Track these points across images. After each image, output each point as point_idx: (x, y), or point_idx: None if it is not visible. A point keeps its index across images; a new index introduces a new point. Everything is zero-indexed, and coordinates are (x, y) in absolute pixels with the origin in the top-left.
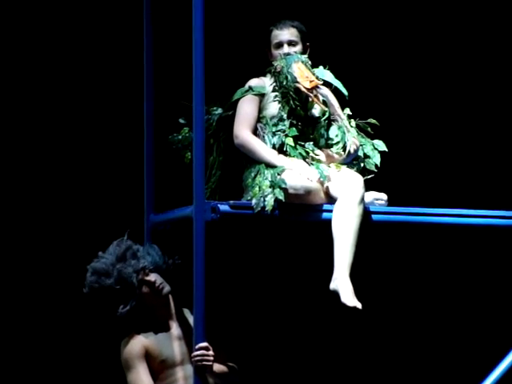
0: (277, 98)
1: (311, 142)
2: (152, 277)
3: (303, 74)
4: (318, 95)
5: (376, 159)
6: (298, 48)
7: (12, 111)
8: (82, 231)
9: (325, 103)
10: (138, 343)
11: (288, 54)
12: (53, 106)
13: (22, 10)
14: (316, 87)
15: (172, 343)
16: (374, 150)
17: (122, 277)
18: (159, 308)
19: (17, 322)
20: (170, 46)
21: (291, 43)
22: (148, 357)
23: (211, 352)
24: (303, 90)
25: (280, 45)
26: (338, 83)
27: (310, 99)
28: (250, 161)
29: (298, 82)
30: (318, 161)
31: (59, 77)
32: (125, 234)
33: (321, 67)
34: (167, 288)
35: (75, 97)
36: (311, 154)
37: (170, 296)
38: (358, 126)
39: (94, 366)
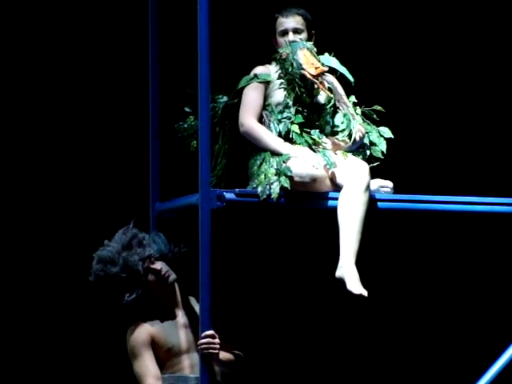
0: (282, 86)
1: (317, 130)
2: (158, 265)
3: (309, 60)
4: (324, 82)
5: (382, 146)
6: (304, 36)
7: (19, 101)
8: (88, 220)
9: (330, 90)
10: (144, 331)
11: (293, 42)
12: (60, 96)
13: (27, 6)
14: (321, 74)
15: (178, 331)
16: (380, 137)
17: (127, 265)
18: (165, 296)
19: (30, 307)
20: (175, 34)
21: (297, 31)
22: (154, 345)
23: (217, 340)
24: (309, 76)
25: (285, 32)
26: (343, 70)
27: (316, 86)
28: (256, 149)
29: (303, 69)
30: (324, 148)
31: (66, 66)
32: (130, 223)
33: (326, 54)
34: (173, 276)
35: (82, 87)
36: (317, 141)
37: (176, 284)
38: (363, 113)
39: (101, 354)
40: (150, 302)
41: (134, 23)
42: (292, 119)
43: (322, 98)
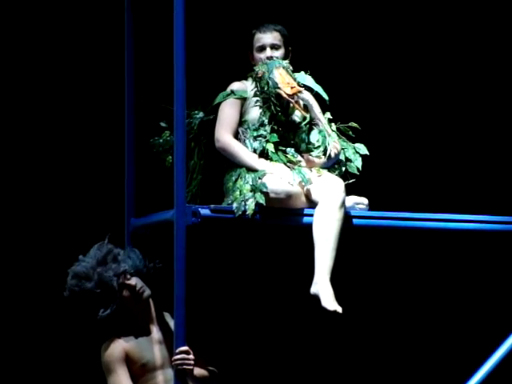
0: (258, 103)
1: (292, 149)
2: (132, 281)
3: (284, 79)
4: (299, 101)
5: (358, 163)
6: (281, 52)
7: None
8: (62, 235)
9: (306, 108)
10: (119, 347)
11: (271, 58)
12: (33, 109)
13: (5, 14)
14: (297, 93)
15: (152, 347)
16: (356, 154)
17: (102, 280)
18: (139, 312)
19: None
20: (151, 49)
21: (274, 47)
22: (128, 360)
23: (192, 356)
24: (284, 96)
25: (263, 48)
26: (318, 88)
27: (291, 105)
28: (231, 165)
29: (279, 88)
30: (300, 165)
31: (39, 79)
32: (105, 238)
33: (302, 72)
34: (147, 292)
35: (56, 101)
36: (292, 160)
37: (151, 300)
38: (339, 130)
39: (76, 369)
40: (125, 318)
41: (110, 37)
42: (267, 138)
43: (297, 116)
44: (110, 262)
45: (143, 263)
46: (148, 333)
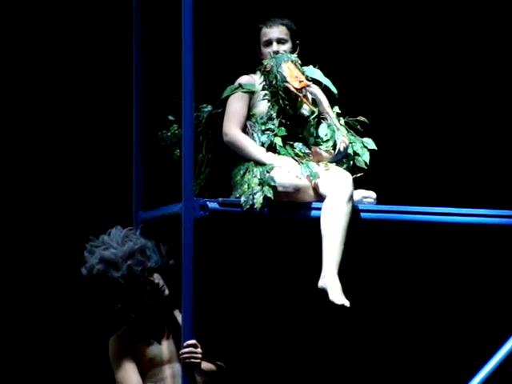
0: (266, 97)
1: (300, 143)
2: (156, 278)
3: (293, 73)
4: (308, 95)
5: (365, 157)
6: (288, 46)
7: None
8: (70, 228)
9: (314, 102)
10: (127, 340)
11: (277, 52)
12: (42, 104)
13: (12, 11)
14: (305, 87)
15: (161, 341)
16: (364, 148)
17: (130, 274)
18: (154, 307)
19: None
20: (159, 43)
21: (281, 41)
22: (136, 354)
23: (199, 350)
24: (292, 89)
25: (269, 42)
26: (327, 81)
27: (300, 99)
28: (239, 158)
29: (287, 82)
30: (308, 159)
31: (46, 74)
32: (137, 229)
33: (310, 66)
34: (167, 291)
35: (63, 94)
36: (300, 154)
37: None
38: (347, 124)
39: (83, 364)
40: (138, 312)
41: (119, 31)
42: (275, 131)
43: (305, 109)
44: (138, 255)
45: (165, 260)
46: (157, 327)
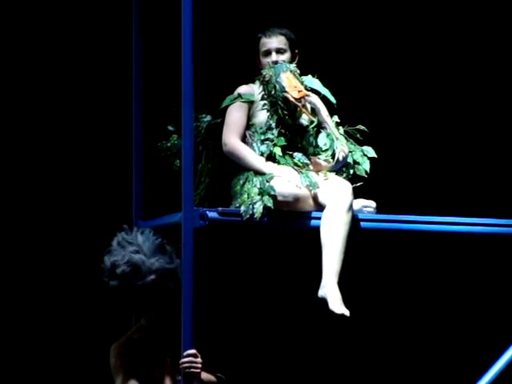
0: (265, 107)
1: (299, 153)
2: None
3: (291, 83)
4: (307, 105)
5: (365, 165)
6: (287, 56)
7: None
8: (71, 237)
9: (313, 111)
10: (128, 349)
11: (276, 62)
12: (42, 113)
13: (10, 12)
14: (304, 97)
15: (160, 353)
16: (364, 157)
17: (150, 287)
18: (158, 320)
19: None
20: (159, 53)
21: (279, 51)
22: (136, 364)
23: (199, 359)
24: (291, 99)
25: (268, 52)
26: (326, 91)
27: (298, 109)
28: (239, 168)
29: (286, 92)
30: (307, 169)
31: (46, 84)
32: (174, 249)
33: (309, 75)
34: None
35: (64, 104)
36: (300, 164)
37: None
38: (347, 133)
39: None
40: (147, 318)
41: (119, 41)
42: (274, 141)
43: (304, 119)
44: (165, 275)
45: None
46: (157, 338)
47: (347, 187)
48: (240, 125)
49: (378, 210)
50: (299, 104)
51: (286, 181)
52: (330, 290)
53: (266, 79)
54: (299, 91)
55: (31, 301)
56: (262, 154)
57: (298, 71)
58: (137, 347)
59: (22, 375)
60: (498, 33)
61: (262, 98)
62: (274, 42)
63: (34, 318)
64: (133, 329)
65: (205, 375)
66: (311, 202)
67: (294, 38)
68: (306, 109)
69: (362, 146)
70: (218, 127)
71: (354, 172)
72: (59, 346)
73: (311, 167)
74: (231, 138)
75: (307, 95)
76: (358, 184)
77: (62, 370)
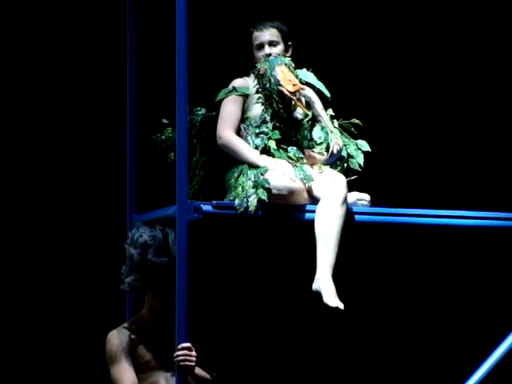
0: (260, 100)
1: (294, 147)
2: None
3: (286, 77)
4: (301, 98)
5: (359, 159)
6: (280, 48)
7: None
8: (64, 231)
9: (308, 105)
10: (125, 338)
11: (270, 55)
12: (34, 104)
13: (8, 13)
14: (299, 90)
15: (156, 346)
16: (358, 150)
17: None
18: (157, 309)
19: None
20: (153, 46)
21: (272, 43)
22: (132, 354)
23: (194, 353)
24: (286, 93)
25: (261, 46)
26: (320, 85)
27: (293, 102)
28: (233, 161)
29: (281, 85)
30: (302, 163)
31: (40, 76)
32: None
33: (304, 69)
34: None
35: (57, 97)
36: (294, 158)
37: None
38: (341, 126)
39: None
40: (147, 307)
41: (113, 34)
42: (269, 135)
43: (299, 113)
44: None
45: None
46: (154, 332)
47: (341, 180)
48: (234, 118)
49: (372, 203)
50: (294, 97)
51: (281, 174)
52: (324, 283)
53: (261, 73)
54: (294, 85)
55: (26, 295)
56: (256, 148)
57: (293, 65)
58: (135, 337)
59: (20, 372)
60: (496, 27)
61: (257, 92)
62: (266, 35)
63: (28, 312)
64: (132, 318)
65: (198, 371)
66: (305, 195)
67: (286, 30)
68: (301, 102)
69: (356, 139)
70: (212, 120)
71: (348, 165)
72: (53, 338)
73: (305, 160)
74: (226, 132)
75: (302, 89)
76: (353, 177)
77: (57, 364)
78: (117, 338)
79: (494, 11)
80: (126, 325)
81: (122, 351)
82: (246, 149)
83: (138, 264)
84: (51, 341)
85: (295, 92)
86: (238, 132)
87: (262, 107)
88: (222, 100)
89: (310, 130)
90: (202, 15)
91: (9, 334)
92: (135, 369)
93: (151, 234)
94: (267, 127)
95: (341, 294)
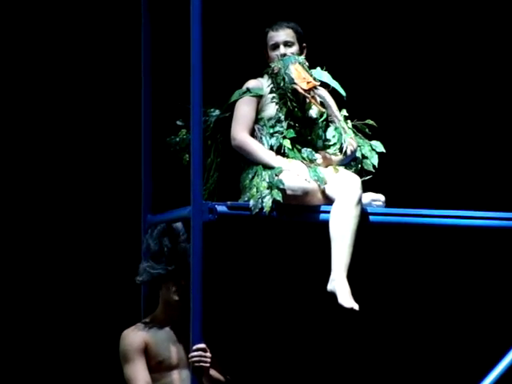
0: (274, 100)
1: (308, 149)
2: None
3: (300, 75)
4: (316, 96)
5: (374, 160)
6: (295, 49)
7: (5, 115)
8: (79, 231)
9: (322, 104)
10: (140, 337)
11: (284, 55)
12: (50, 106)
13: (19, 9)
14: (313, 88)
15: (170, 346)
16: (372, 151)
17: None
18: (171, 306)
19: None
20: (167, 48)
21: (287, 44)
22: (146, 354)
23: (209, 354)
24: (300, 91)
25: (276, 46)
26: (335, 84)
27: (308, 100)
28: (248, 162)
29: (295, 84)
30: (316, 164)
31: (56, 78)
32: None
33: (318, 68)
34: (176, 297)
35: (73, 99)
36: (308, 159)
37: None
38: (355, 127)
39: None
40: (162, 304)
41: (127, 36)
42: (284, 134)
43: (313, 112)
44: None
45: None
46: (169, 332)
47: (356, 181)
48: (249, 119)
49: (387, 204)
50: (308, 95)
51: (295, 175)
52: (339, 284)
53: (275, 71)
54: (308, 82)
55: (42, 295)
56: (271, 148)
57: (307, 63)
58: (149, 336)
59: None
60: (501, 24)
61: (271, 91)
62: (282, 35)
63: (45, 311)
64: (146, 318)
65: (213, 372)
66: (320, 195)
67: (301, 31)
68: (316, 100)
69: (370, 140)
70: (226, 121)
71: (362, 166)
72: (68, 337)
73: (319, 162)
74: (240, 133)
75: (316, 86)
76: (367, 177)
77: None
78: (131, 336)
79: (500, 11)
80: (140, 324)
81: (136, 350)
82: (261, 150)
83: (156, 252)
84: (66, 339)
85: (309, 90)
86: (253, 133)
87: (277, 107)
88: (236, 101)
89: (325, 130)
90: (216, 17)
91: (22, 332)
92: (149, 369)
93: (168, 230)
94: (282, 126)
95: (356, 295)
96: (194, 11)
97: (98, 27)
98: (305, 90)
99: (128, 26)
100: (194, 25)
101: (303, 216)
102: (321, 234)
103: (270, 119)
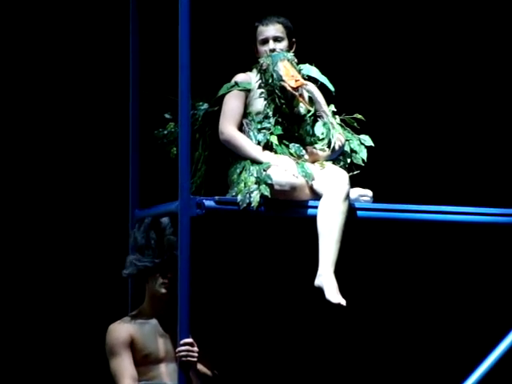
0: (262, 95)
1: (296, 144)
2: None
3: (289, 72)
4: (304, 94)
5: (363, 154)
6: (284, 44)
7: None
8: (66, 226)
9: (310, 100)
10: (126, 331)
11: (274, 51)
12: (36, 100)
13: (11, 10)
14: (301, 86)
15: (157, 340)
16: (361, 145)
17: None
18: (157, 299)
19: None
20: (156, 41)
21: (277, 39)
22: (132, 347)
23: (196, 348)
24: (288, 88)
25: (266, 41)
26: (324, 79)
27: (296, 98)
28: (236, 157)
29: (283, 81)
30: (303, 160)
31: (42, 71)
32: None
33: (307, 64)
34: (163, 290)
35: (59, 92)
36: (295, 155)
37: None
38: (344, 121)
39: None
40: (148, 298)
41: (115, 28)
42: (271, 130)
43: (301, 108)
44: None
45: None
46: (155, 325)
47: (344, 176)
48: (237, 113)
49: (375, 199)
50: (296, 93)
51: (283, 170)
52: (326, 279)
53: (264, 68)
54: (296, 80)
55: (29, 290)
56: (258, 143)
57: (296, 60)
58: (136, 330)
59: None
60: (497, 26)
61: (259, 87)
62: (272, 30)
63: (31, 307)
64: (133, 312)
65: (200, 367)
66: (308, 191)
67: (291, 26)
68: (303, 98)
69: (359, 134)
70: (215, 115)
71: (351, 161)
72: (56, 332)
73: (307, 157)
74: (228, 127)
75: (304, 84)
76: (355, 173)
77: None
78: (117, 330)
79: (499, 10)
80: (126, 317)
81: (122, 344)
82: (249, 144)
83: (142, 245)
84: (54, 335)
85: (297, 88)
86: (241, 127)
87: (265, 102)
88: (224, 95)
89: (312, 126)
90: (204, 10)
91: (12, 330)
92: (135, 362)
93: (155, 222)
94: (269, 122)
95: (343, 291)
96: (182, 4)
97: (86, 20)
98: (293, 88)
99: (116, 18)
100: (183, 18)
101: (291, 211)
102: (308, 230)
103: (257, 114)
